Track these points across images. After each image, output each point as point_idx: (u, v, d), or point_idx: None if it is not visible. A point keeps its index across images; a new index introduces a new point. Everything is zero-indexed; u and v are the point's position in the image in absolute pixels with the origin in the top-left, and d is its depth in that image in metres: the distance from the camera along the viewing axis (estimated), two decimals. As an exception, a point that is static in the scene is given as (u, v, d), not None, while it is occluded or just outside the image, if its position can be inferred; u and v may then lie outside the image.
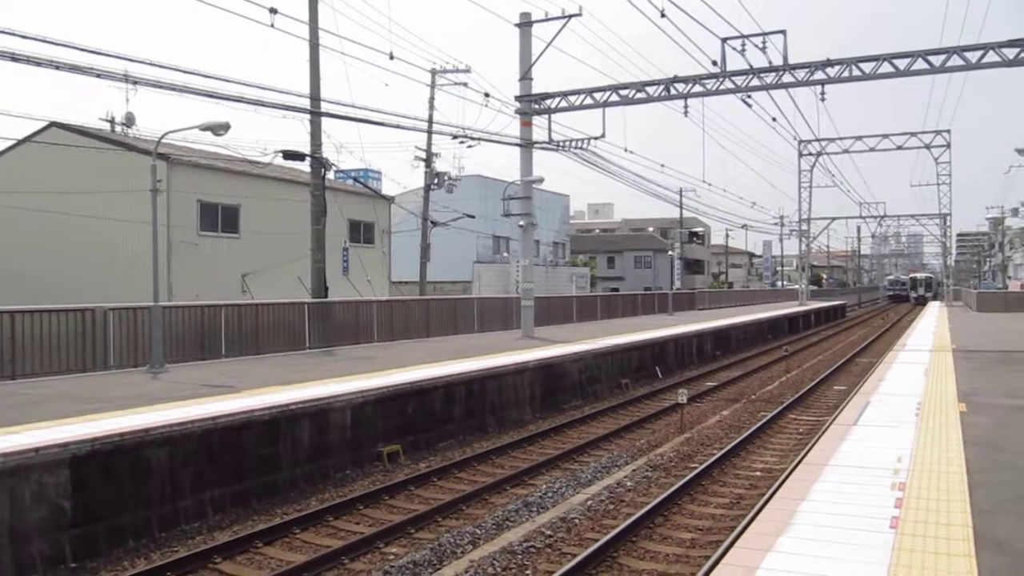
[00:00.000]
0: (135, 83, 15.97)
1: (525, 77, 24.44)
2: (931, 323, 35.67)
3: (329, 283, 22.65)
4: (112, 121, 35.81)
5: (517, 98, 24.73)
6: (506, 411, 16.84)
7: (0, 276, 28.63)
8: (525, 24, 24.37)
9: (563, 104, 24.43)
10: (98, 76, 14.96)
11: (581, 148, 25.14)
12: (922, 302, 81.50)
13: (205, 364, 17.38)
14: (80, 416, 10.54)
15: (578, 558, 8.22)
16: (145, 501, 9.57)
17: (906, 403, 12.46)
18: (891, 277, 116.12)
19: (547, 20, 24.24)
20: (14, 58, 13.62)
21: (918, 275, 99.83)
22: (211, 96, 16.61)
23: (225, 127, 15.82)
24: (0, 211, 28.63)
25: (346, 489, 11.66)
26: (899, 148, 50.06)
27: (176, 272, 25.77)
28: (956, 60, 20.40)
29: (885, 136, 49.78)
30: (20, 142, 29.22)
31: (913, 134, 50.03)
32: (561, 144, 25.08)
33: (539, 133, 25.07)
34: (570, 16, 23.50)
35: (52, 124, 28.50)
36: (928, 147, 51.35)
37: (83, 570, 8.55)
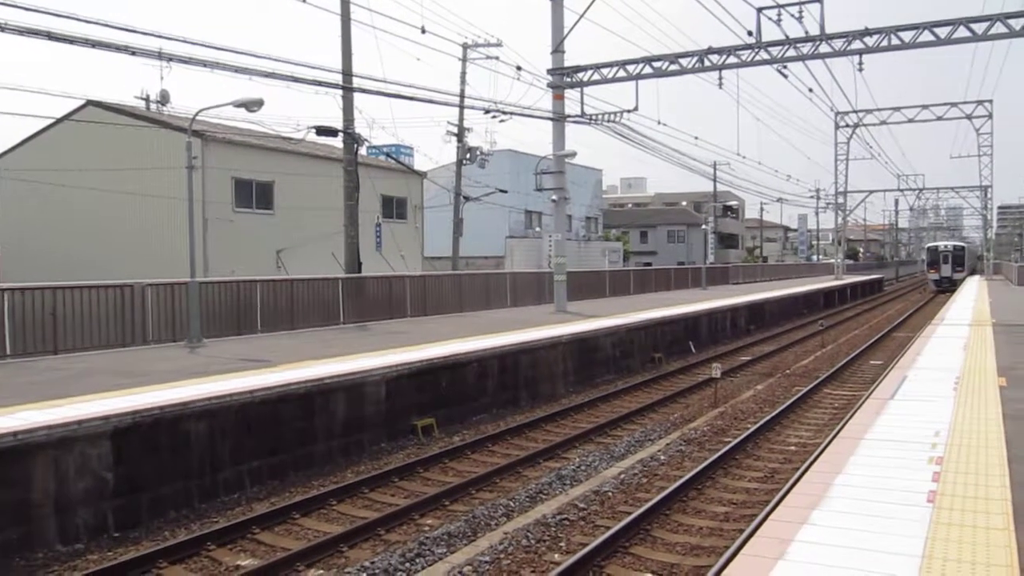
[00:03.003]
0: (169, 60, 16.06)
1: (557, 50, 24.24)
2: (970, 297, 35.11)
3: (362, 258, 22.78)
4: (147, 99, 36.17)
5: (549, 71, 24.54)
6: (539, 385, 16.88)
7: (41, 253, 29.20)
8: (557, -4, 24.12)
9: (595, 77, 24.20)
10: (133, 54, 15.08)
11: (614, 121, 24.93)
12: (947, 287, 55.34)
13: (241, 339, 17.59)
14: (121, 390, 10.74)
15: (611, 530, 8.25)
16: (185, 472, 9.76)
17: (944, 377, 12.31)
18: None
19: (579, -8, 23.96)
20: (51, 36, 13.77)
21: (942, 245, 63.16)
22: (244, 72, 16.69)
23: (259, 103, 15.91)
24: (39, 189, 29.13)
25: (381, 462, 11.78)
26: (939, 119, 49.04)
27: (212, 248, 26.04)
28: (999, 27, 19.87)
29: (924, 107, 48.75)
30: (58, 121, 29.59)
31: (954, 104, 48.99)
32: (594, 117, 24.89)
33: (571, 107, 24.93)
34: (602, -13, 23.20)
35: (89, 103, 28.81)
36: (969, 117, 50.29)
37: (125, 539, 8.74)
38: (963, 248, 62.27)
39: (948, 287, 55.11)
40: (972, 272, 68.51)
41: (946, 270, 58.92)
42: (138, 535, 8.87)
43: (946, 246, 61.56)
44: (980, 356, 14.75)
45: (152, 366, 13.17)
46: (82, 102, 29.00)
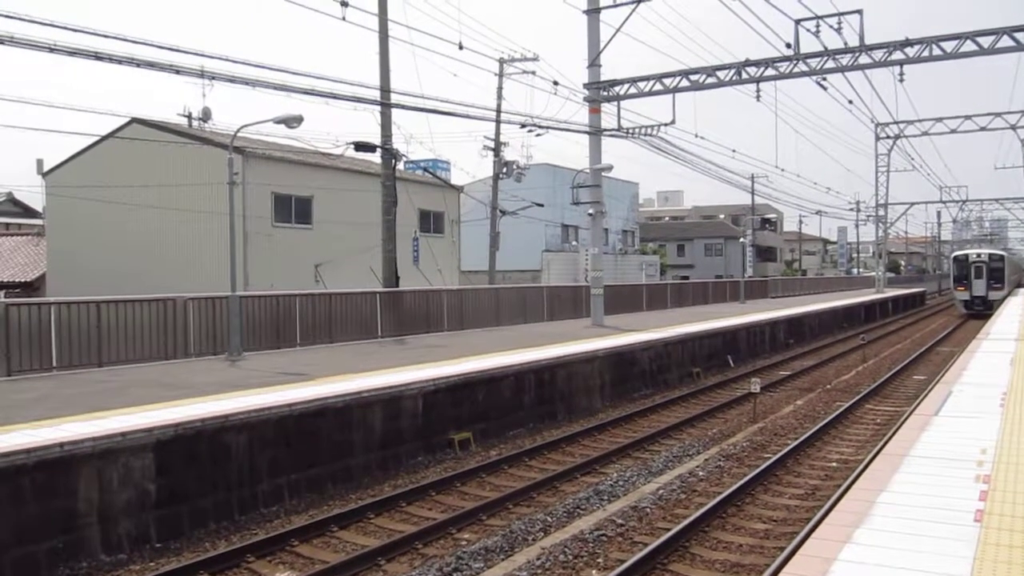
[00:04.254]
0: (212, 78, 16.33)
1: (593, 64, 24.25)
2: (1017, 310, 34.39)
3: (400, 272, 22.91)
4: (189, 116, 36.78)
5: (585, 85, 24.56)
6: (576, 399, 16.83)
7: (86, 267, 29.75)
8: (593, 10, 24.16)
9: (632, 90, 24.18)
10: (176, 72, 15.34)
11: (651, 135, 24.87)
12: (981, 309, 43.90)
13: (281, 352, 17.77)
14: (163, 402, 10.89)
15: (650, 547, 8.19)
16: (225, 485, 9.86)
17: (990, 393, 12.06)
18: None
19: (616, 6, 23.99)
20: (97, 57, 14.06)
21: (973, 253, 48.95)
22: (284, 89, 16.89)
23: (298, 120, 16.12)
24: (85, 205, 29.72)
25: (418, 475, 11.81)
26: (982, 130, 48.08)
27: (252, 262, 26.38)
28: (1045, 36, 19.53)
29: (967, 117, 47.78)
30: (103, 138, 30.23)
31: (998, 114, 47.95)
32: (630, 131, 24.84)
33: (608, 120, 24.92)
34: (640, 0, 23.19)
35: (133, 120, 29.38)
36: (1014, 128, 49.29)
37: (167, 550, 8.85)
38: (1002, 257, 47.63)
39: (982, 309, 43.52)
40: (1017, 286, 62.03)
41: (979, 287, 45.64)
42: (179, 546, 8.98)
43: (979, 255, 47.49)
44: (1027, 371, 14.42)
45: (193, 379, 13.34)
46: (127, 119, 29.60)
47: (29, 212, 48.95)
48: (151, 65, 14.90)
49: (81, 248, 30.86)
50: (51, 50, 13.19)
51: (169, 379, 13.36)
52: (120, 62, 14.48)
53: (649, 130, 24.80)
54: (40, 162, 34.85)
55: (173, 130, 30.15)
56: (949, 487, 7.04)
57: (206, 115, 35.52)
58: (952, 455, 8.19)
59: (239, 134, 17.54)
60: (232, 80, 16.19)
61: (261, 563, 8.45)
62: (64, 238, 31.91)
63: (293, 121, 16.12)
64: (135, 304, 15.85)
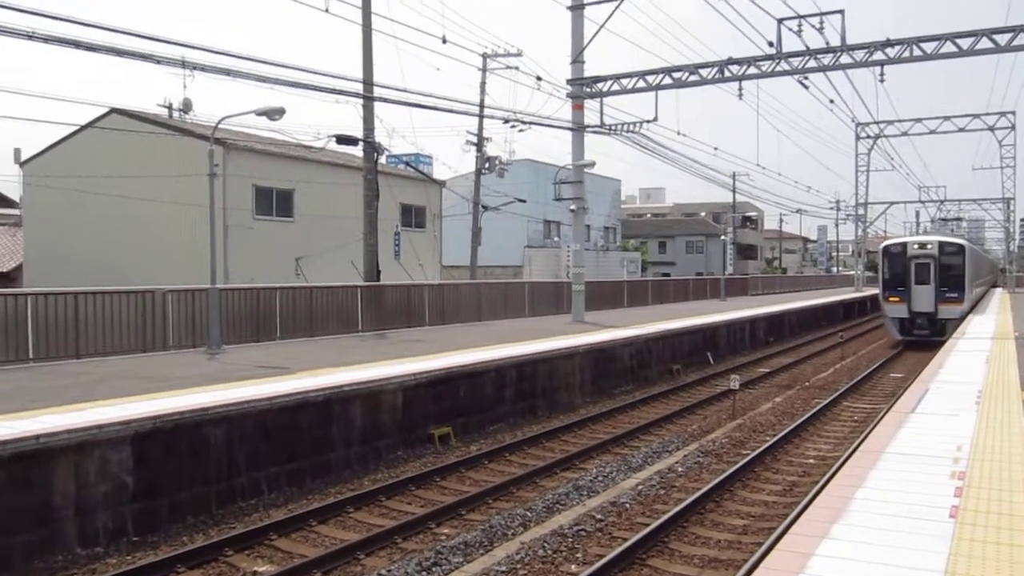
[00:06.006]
0: (192, 69, 16.16)
1: (577, 60, 24.26)
2: (993, 311, 34.73)
3: (381, 267, 22.81)
4: (170, 107, 36.45)
5: (569, 81, 24.56)
6: (557, 395, 16.85)
7: (63, 259, 29.45)
8: (577, 6, 24.16)
9: (615, 87, 24.21)
10: (157, 63, 15.18)
11: (633, 132, 24.89)
12: (926, 334, 27.23)
13: (260, 345, 17.68)
14: (141, 395, 10.81)
15: (628, 542, 8.22)
16: (203, 478, 9.80)
17: (966, 391, 12.18)
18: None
19: (600, 2, 23.99)
20: (76, 45, 13.90)
21: (915, 242, 29.10)
22: (266, 81, 16.75)
23: (280, 112, 16.03)
24: (63, 195, 29.41)
25: (398, 470, 11.79)
26: (961, 131, 48.61)
27: (232, 255, 26.17)
28: (1023, 39, 19.74)
29: (947, 118, 48.32)
30: (82, 128, 29.89)
31: (976, 116, 48.56)
32: (613, 128, 24.87)
33: (591, 117, 24.91)
34: (623, -3, 23.17)
35: (113, 110, 29.10)
36: (992, 129, 49.88)
37: (144, 544, 8.78)
38: (960, 249, 28.89)
39: (928, 334, 27.44)
40: (993, 286, 57.56)
41: (922, 298, 27.94)
42: (156, 540, 8.92)
43: (923, 246, 28.72)
44: (1003, 369, 14.58)
45: (172, 372, 13.25)
46: (106, 109, 29.29)
47: (6, 202, 48.38)
48: (131, 54, 14.73)
49: (59, 239, 30.53)
50: (29, 38, 13.02)
51: (147, 371, 13.26)
52: (99, 51, 14.31)
53: (632, 127, 24.83)
54: (17, 151, 34.53)
55: (153, 121, 29.85)
56: (925, 484, 7.11)
57: (187, 106, 35.24)
58: (928, 452, 8.27)
59: (220, 125, 17.41)
60: (214, 71, 16.04)
61: (239, 557, 8.42)
62: (42, 228, 31.57)
63: (275, 113, 16.04)
64: (113, 296, 15.72)
